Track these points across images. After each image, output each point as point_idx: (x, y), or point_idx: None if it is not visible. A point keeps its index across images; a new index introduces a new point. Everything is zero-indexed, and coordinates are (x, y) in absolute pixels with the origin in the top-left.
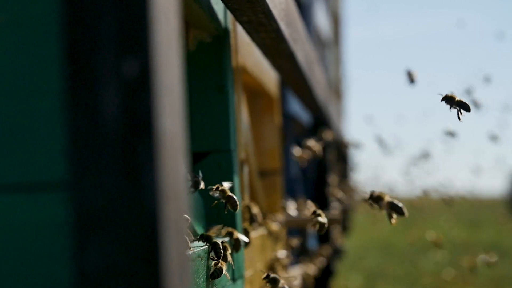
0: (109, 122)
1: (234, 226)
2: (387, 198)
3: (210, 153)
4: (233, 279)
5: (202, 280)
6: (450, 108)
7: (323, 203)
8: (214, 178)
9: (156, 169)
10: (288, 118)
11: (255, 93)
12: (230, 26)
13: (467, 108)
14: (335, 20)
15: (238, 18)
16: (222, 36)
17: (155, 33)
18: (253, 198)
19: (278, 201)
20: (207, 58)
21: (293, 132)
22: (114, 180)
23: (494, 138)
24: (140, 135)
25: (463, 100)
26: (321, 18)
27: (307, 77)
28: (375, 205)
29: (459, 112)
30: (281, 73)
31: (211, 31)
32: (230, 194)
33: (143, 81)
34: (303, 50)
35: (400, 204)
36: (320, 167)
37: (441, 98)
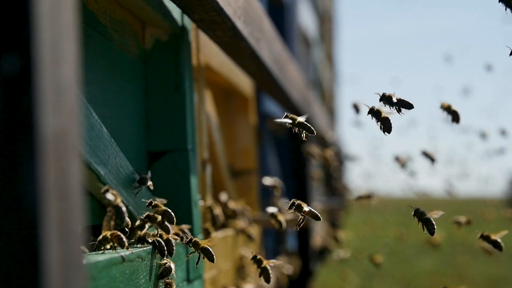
0: None
1: (191, 226)
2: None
3: (167, 153)
4: (188, 280)
5: (143, 281)
6: (390, 107)
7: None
8: (171, 178)
9: (37, 167)
10: (265, 117)
11: (229, 93)
12: (189, 24)
13: (408, 105)
14: (328, 19)
15: (190, 16)
16: (179, 34)
17: (39, 29)
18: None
19: (253, 200)
20: (164, 56)
21: (270, 131)
22: None
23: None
24: (20, 133)
25: (402, 98)
26: (306, 17)
27: (276, 77)
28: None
29: (399, 110)
30: (247, 73)
31: (166, 29)
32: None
33: (24, 78)
34: (269, 49)
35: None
36: (299, 165)
37: (379, 98)
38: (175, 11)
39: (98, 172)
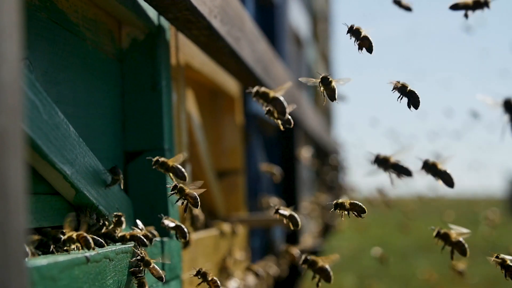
0: None
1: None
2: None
3: (143, 153)
4: (163, 279)
5: (110, 281)
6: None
7: (291, 201)
8: (148, 178)
9: None
10: (252, 117)
11: (214, 92)
12: (166, 24)
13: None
14: (323, 19)
15: (163, 15)
16: (155, 34)
17: None
18: (209, 198)
19: (239, 200)
20: (141, 55)
21: (258, 131)
22: None
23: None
24: None
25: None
26: (298, 17)
27: (259, 77)
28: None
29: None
30: (229, 72)
31: (142, 29)
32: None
33: None
34: (251, 49)
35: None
36: (288, 165)
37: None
38: (151, 10)
39: (64, 172)
